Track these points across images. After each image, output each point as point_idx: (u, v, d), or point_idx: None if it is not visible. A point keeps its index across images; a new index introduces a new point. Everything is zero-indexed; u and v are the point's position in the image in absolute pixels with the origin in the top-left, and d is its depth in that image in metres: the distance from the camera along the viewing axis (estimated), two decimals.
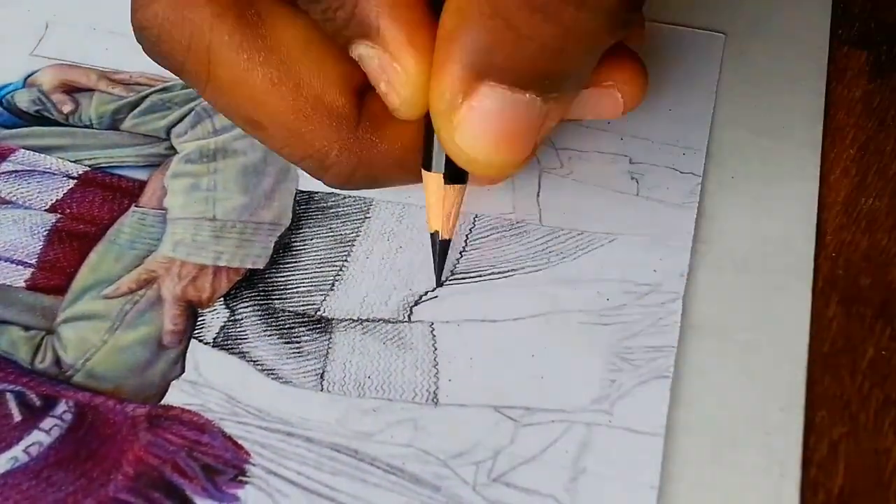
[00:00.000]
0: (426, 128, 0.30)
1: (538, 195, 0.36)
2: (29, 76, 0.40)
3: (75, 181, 0.37)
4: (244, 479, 0.30)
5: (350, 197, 0.36)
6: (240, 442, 0.31)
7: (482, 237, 0.35)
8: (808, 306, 0.33)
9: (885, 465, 0.30)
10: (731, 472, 0.30)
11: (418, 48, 0.28)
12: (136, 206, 0.36)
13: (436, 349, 0.33)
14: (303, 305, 0.34)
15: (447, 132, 0.28)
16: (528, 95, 0.27)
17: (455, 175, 0.31)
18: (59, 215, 0.36)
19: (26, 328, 0.34)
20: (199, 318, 0.34)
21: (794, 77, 0.38)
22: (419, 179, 0.32)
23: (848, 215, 0.35)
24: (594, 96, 0.32)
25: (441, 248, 0.33)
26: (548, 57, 0.27)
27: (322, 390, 0.32)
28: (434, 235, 0.33)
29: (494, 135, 0.28)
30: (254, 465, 0.30)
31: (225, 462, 0.30)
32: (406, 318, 0.33)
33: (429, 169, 0.31)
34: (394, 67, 0.28)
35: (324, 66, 0.30)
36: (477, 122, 0.27)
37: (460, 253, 0.35)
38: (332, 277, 0.35)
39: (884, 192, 0.36)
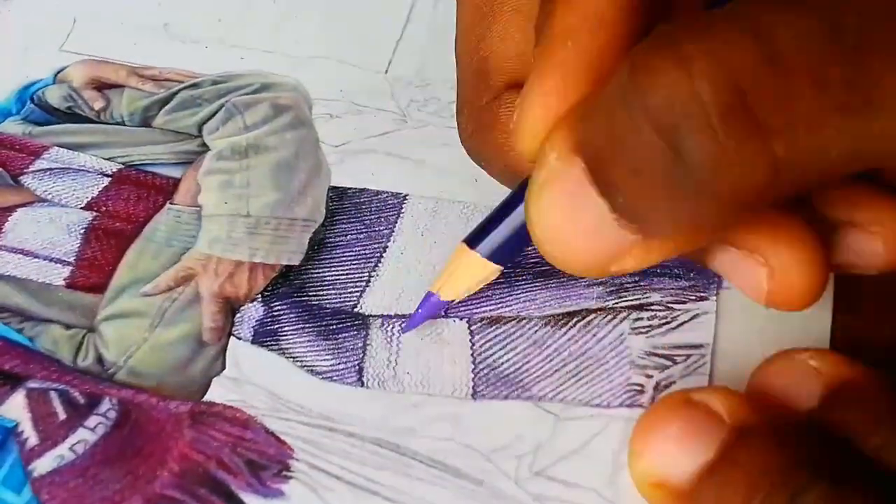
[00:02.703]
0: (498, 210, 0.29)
1: None
2: (59, 72, 0.40)
3: (109, 179, 0.37)
4: (288, 474, 0.31)
5: (383, 193, 0.37)
6: (283, 437, 0.31)
7: None
8: (830, 295, 0.33)
9: None
10: None
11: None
12: (170, 203, 0.37)
13: (473, 344, 0.33)
14: (339, 302, 0.34)
15: (531, 189, 0.25)
16: (602, 200, 0.24)
17: (502, 258, 0.29)
18: (94, 213, 0.36)
19: (67, 326, 0.34)
20: (238, 315, 0.34)
21: None
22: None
23: None
24: (736, 261, 0.27)
25: (435, 308, 0.32)
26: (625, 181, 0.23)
27: (362, 386, 0.32)
28: (433, 294, 0.31)
29: (561, 218, 0.24)
30: (297, 460, 0.31)
31: (269, 458, 0.31)
32: (442, 314, 0.34)
33: (471, 246, 0.29)
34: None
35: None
36: (553, 193, 0.24)
37: None
38: (367, 273, 0.35)
39: None
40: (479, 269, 0.30)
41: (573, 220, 0.24)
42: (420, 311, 0.32)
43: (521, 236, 0.28)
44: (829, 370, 0.28)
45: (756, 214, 0.26)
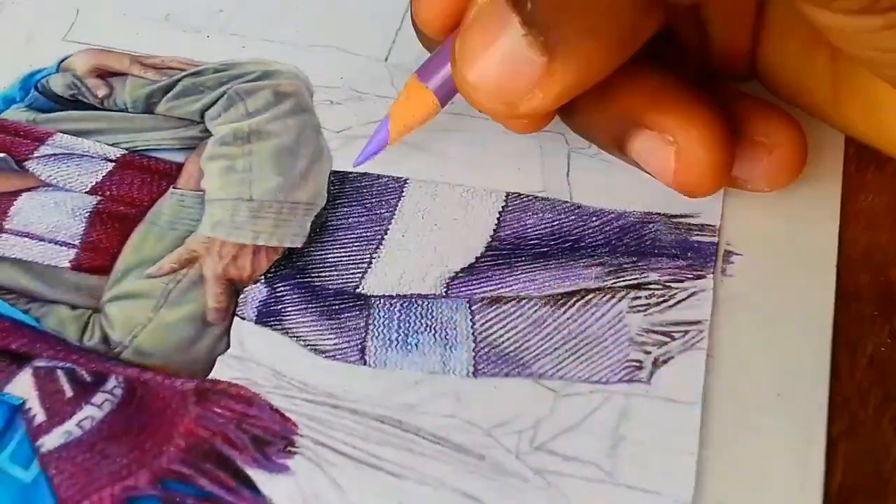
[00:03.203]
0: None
1: (568, 174, 0.37)
2: (62, 61, 0.41)
3: (113, 164, 0.38)
4: (293, 449, 0.31)
5: (384, 177, 0.37)
6: (287, 414, 0.32)
7: (514, 215, 0.36)
8: (833, 281, 0.34)
9: (883, 462, 0.31)
10: (758, 439, 0.31)
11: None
12: (174, 187, 0.37)
13: (473, 324, 0.34)
14: (341, 282, 0.35)
15: (462, 25, 0.29)
16: (515, 18, 0.27)
17: (443, 96, 0.33)
18: (99, 197, 0.37)
19: (73, 307, 0.34)
20: (241, 296, 0.34)
21: None
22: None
23: (847, 212, 0.35)
24: (651, 145, 0.30)
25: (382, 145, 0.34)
26: None
27: (365, 364, 0.33)
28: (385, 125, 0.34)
29: (480, 42, 0.28)
30: (302, 436, 0.31)
31: (273, 434, 0.31)
32: (443, 294, 0.34)
33: (424, 80, 0.32)
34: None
35: None
36: (478, 23, 0.28)
37: (494, 230, 0.36)
38: (369, 255, 0.35)
39: (883, 188, 0.36)
40: (426, 104, 0.33)
41: (489, 43, 0.28)
42: (370, 144, 0.34)
43: None
44: None
45: (666, 92, 0.30)
